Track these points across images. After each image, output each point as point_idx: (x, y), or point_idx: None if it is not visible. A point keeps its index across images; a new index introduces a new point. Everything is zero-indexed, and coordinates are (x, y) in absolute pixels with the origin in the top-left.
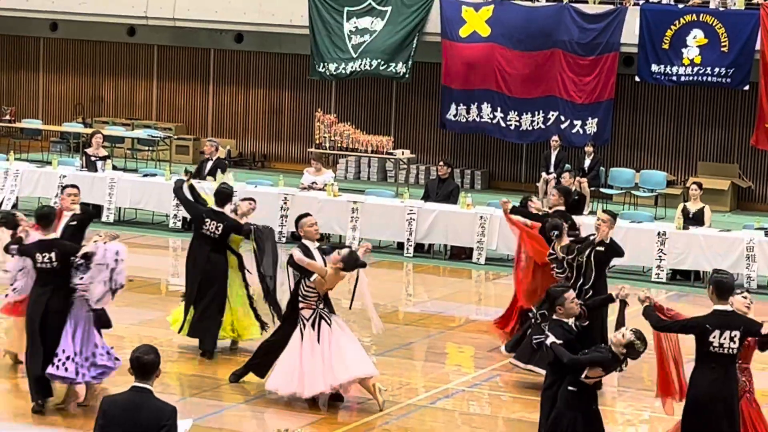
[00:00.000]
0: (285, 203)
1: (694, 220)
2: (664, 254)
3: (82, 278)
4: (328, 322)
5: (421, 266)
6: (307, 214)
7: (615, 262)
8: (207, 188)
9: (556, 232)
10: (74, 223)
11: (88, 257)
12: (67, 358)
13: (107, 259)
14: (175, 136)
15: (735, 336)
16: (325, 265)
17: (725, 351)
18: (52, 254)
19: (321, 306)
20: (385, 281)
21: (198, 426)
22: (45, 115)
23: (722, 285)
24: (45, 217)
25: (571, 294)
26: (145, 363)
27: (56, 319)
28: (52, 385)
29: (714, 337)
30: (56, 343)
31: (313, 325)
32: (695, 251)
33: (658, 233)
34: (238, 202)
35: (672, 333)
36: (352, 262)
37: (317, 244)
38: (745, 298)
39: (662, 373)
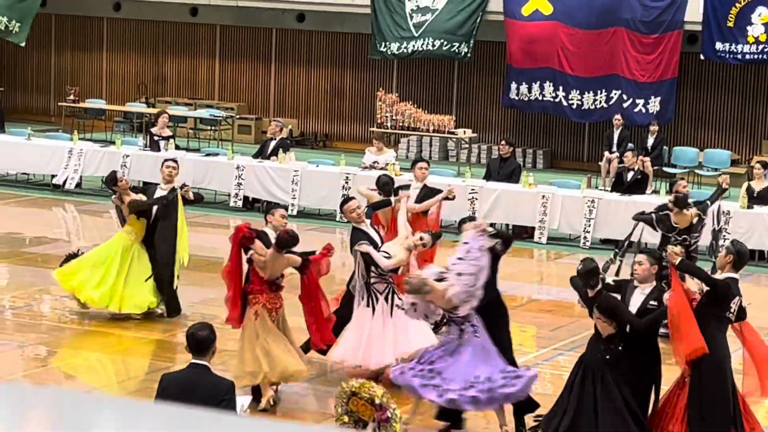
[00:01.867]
0: (347, 182)
1: (758, 199)
2: (728, 234)
3: None
4: (399, 297)
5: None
6: (348, 199)
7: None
8: (269, 167)
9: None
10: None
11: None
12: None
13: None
14: (237, 116)
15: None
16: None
17: (732, 317)
18: None
19: (392, 281)
20: (447, 261)
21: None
22: (108, 96)
23: (743, 255)
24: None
25: None
26: (200, 339)
27: None
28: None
29: (734, 303)
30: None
31: (386, 299)
32: (759, 230)
33: (723, 212)
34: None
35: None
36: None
37: (367, 223)
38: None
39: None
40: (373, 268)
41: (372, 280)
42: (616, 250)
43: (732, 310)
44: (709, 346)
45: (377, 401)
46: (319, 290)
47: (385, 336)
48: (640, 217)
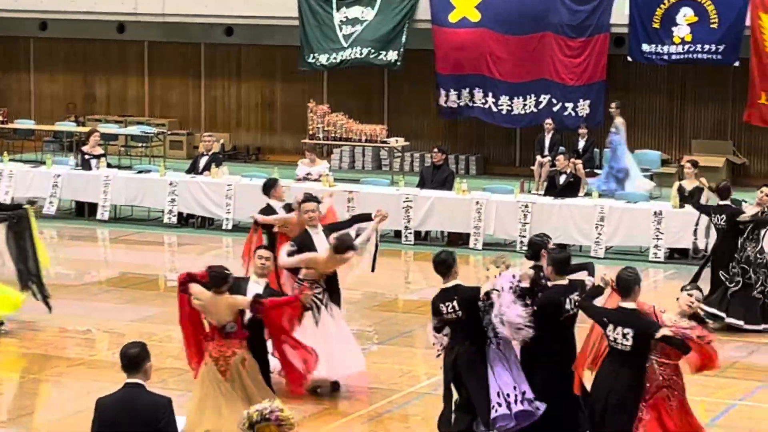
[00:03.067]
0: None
1: (689, 198)
2: (661, 233)
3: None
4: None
5: (420, 254)
6: (308, 199)
7: (612, 243)
8: (202, 182)
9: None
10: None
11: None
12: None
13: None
14: (169, 132)
15: (627, 334)
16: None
17: (619, 347)
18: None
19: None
20: (384, 270)
21: None
22: (37, 115)
23: (624, 282)
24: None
25: None
26: (131, 357)
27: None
28: None
29: (609, 331)
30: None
31: (326, 306)
32: (692, 229)
33: (655, 213)
34: None
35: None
36: (343, 246)
37: (320, 228)
38: (690, 296)
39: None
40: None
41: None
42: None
43: (610, 339)
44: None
45: (282, 416)
46: (281, 333)
47: (339, 345)
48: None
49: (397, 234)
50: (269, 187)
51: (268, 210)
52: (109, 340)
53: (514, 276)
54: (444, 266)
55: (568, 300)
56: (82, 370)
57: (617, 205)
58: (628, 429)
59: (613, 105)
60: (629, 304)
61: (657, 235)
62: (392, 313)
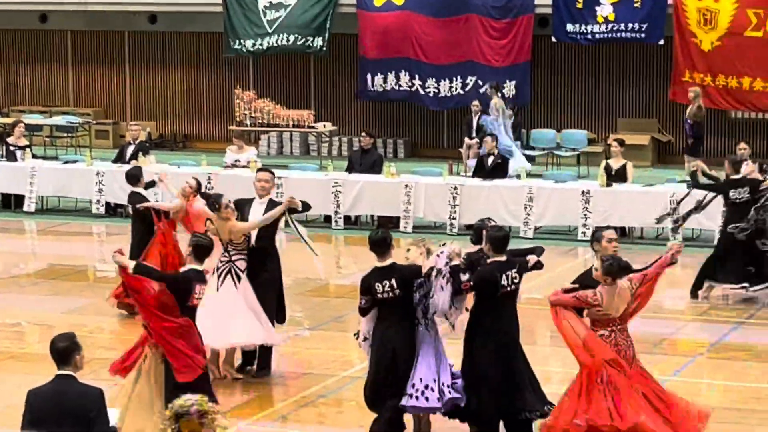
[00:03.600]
0: (209, 182)
1: (617, 176)
2: (590, 212)
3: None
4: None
5: (350, 238)
6: (261, 170)
7: (541, 223)
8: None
9: None
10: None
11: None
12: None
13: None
14: (94, 121)
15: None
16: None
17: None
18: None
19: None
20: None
21: None
22: None
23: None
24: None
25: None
26: (61, 350)
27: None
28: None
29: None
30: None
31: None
32: (620, 208)
33: (582, 192)
34: None
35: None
36: (211, 201)
37: (266, 200)
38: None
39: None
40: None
41: (234, 256)
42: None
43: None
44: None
45: (202, 409)
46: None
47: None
48: None
49: (327, 219)
50: (135, 177)
51: (138, 197)
52: (39, 333)
53: (447, 255)
54: (384, 245)
55: (504, 276)
56: (12, 363)
57: (545, 185)
58: None
59: (487, 86)
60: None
61: (585, 215)
62: (324, 298)
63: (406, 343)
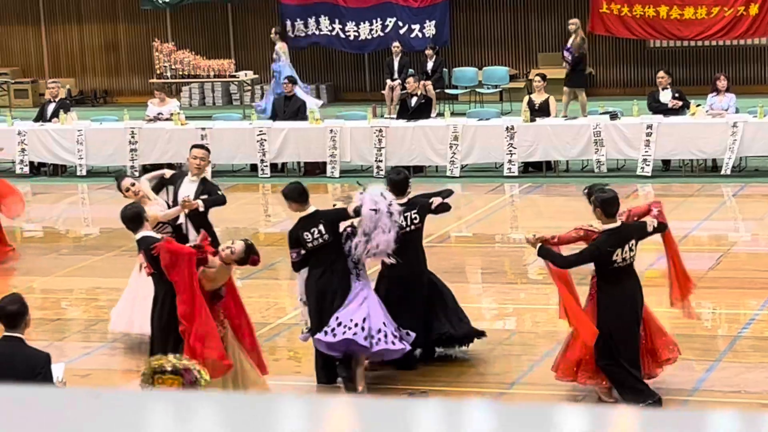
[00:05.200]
0: (133, 137)
1: (540, 111)
2: (514, 148)
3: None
4: None
5: (278, 186)
6: (196, 146)
7: (467, 161)
8: (51, 129)
9: None
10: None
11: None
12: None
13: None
14: (12, 81)
15: (633, 245)
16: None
17: (627, 262)
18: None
19: None
20: (243, 204)
21: (71, 368)
22: None
23: (611, 202)
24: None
25: None
26: (10, 313)
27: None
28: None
29: (617, 256)
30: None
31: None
32: (544, 142)
33: (507, 128)
34: None
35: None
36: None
37: (198, 179)
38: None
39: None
40: None
41: None
42: None
43: (618, 262)
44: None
45: (180, 367)
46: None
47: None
48: None
49: (254, 168)
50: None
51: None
52: None
53: (384, 195)
54: (303, 194)
55: (404, 217)
56: None
57: (470, 123)
58: None
59: (273, 31)
60: (615, 223)
61: (510, 150)
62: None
63: (343, 286)
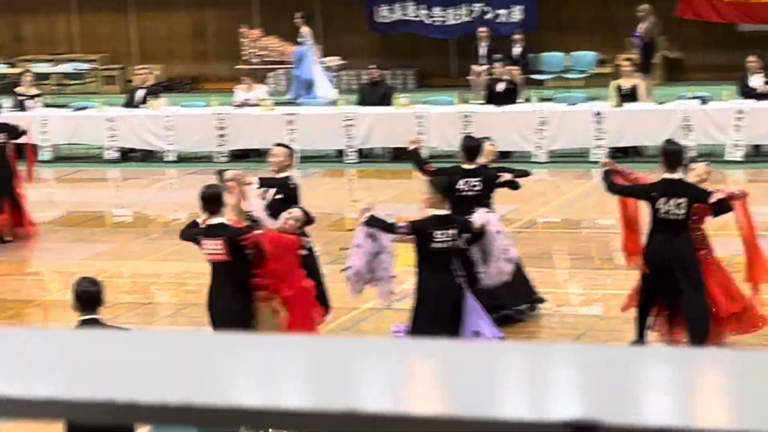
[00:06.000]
0: (221, 123)
1: (628, 96)
2: (602, 134)
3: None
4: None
5: (364, 171)
6: (275, 144)
7: (554, 146)
8: (141, 115)
9: None
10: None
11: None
12: None
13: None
14: (102, 67)
15: (681, 203)
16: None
17: (671, 217)
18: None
19: None
20: (328, 190)
21: None
22: None
23: (672, 155)
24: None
25: None
26: (92, 295)
27: None
28: None
29: (660, 204)
30: None
31: None
32: (632, 127)
33: (594, 113)
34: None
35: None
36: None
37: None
38: (707, 165)
39: (623, 233)
40: None
41: None
42: None
43: (661, 212)
44: (646, 246)
45: None
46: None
47: None
48: None
49: (340, 153)
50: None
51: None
52: (59, 280)
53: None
54: (449, 190)
55: (464, 182)
56: (35, 311)
57: (557, 108)
58: (701, 281)
59: (297, 15)
60: (674, 176)
61: (598, 136)
62: (339, 232)
63: (454, 293)
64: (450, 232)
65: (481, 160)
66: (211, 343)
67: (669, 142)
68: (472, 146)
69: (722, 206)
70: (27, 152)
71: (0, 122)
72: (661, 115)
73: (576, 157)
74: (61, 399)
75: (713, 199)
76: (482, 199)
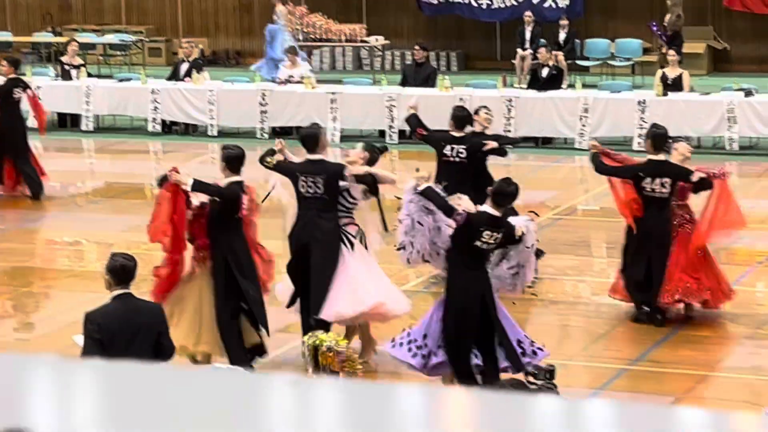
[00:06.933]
0: (263, 99)
1: (673, 86)
2: (645, 122)
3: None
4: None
5: (406, 152)
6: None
7: (596, 134)
8: (184, 89)
9: None
10: None
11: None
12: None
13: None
14: (147, 39)
15: (665, 182)
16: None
17: (657, 195)
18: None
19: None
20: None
21: None
22: (14, 27)
23: (657, 138)
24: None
25: None
26: (129, 270)
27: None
28: None
29: (647, 183)
30: None
31: (361, 240)
32: (676, 117)
33: (639, 102)
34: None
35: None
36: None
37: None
38: (689, 144)
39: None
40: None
41: (344, 220)
42: None
43: (647, 190)
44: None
45: (336, 348)
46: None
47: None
48: None
49: (381, 133)
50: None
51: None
52: (98, 251)
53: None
54: (513, 197)
55: (450, 148)
56: (72, 281)
57: (601, 95)
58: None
59: None
60: (660, 157)
61: (641, 125)
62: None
63: (490, 294)
64: (497, 235)
65: (477, 127)
66: None
67: (654, 126)
68: (460, 115)
69: (703, 184)
70: (36, 106)
71: (13, 77)
72: (705, 106)
73: (619, 145)
74: None
75: (695, 177)
76: (468, 167)
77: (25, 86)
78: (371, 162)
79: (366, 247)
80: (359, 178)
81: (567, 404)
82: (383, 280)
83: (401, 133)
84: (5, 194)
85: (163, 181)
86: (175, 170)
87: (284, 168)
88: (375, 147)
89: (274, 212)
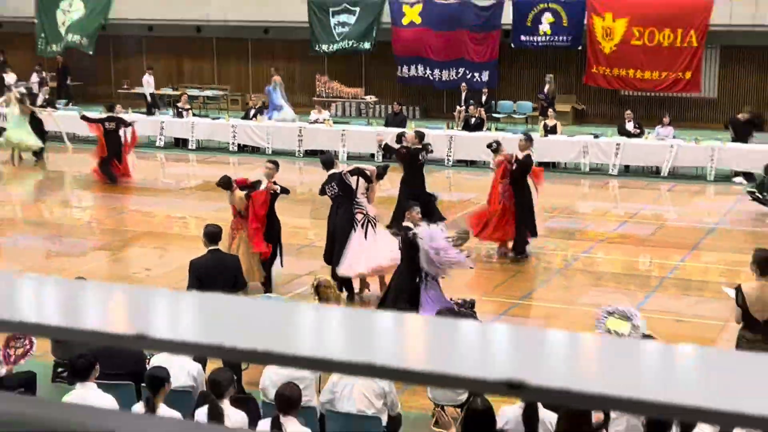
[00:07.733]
0: (300, 132)
1: (551, 131)
2: (533, 152)
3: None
4: (374, 225)
5: (391, 168)
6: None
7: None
8: (252, 126)
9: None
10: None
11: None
12: None
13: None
14: (230, 94)
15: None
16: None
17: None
18: None
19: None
20: None
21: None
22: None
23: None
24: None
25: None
26: (214, 233)
27: None
28: None
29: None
30: None
31: (367, 222)
32: (552, 150)
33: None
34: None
35: None
36: (383, 170)
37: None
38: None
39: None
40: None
41: (355, 210)
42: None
43: None
44: None
45: (326, 284)
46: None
47: (362, 251)
48: None
49: (372, 155)
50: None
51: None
52: (196, 223)
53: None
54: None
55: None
56: (180, 241)
57: (507, 135)
58: None
59: (272, 69)
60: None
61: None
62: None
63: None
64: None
65: (405, 143)
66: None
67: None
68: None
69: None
70: (132, 136)
71: (115, 116)
72: (569, 144)
73: None
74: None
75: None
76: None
77: (128, 124)
78: (380, 176)
79: (374, 226)
80: (352, 173)
81: (484, 326)
82: (387, 246)
83: (384, 155)
84: (125, 180)
85: (224, 180)
86: (270, 183)
87: (325, 183)
88: (382, 167)
89: (305, 202)
